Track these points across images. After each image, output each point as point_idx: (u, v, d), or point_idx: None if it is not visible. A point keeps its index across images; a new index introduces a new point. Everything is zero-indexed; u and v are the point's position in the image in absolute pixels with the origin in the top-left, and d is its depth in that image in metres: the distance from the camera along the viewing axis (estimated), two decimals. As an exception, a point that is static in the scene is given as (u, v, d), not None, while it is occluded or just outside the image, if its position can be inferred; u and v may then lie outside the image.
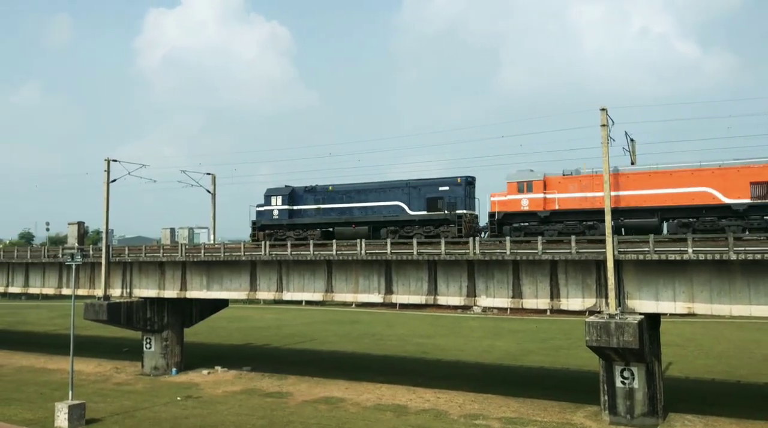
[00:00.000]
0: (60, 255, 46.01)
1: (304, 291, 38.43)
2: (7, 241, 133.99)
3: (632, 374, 29.93)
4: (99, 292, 44.35)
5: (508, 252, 31.22)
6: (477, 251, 31.87)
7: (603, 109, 30.55)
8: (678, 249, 28.20)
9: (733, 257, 26.69)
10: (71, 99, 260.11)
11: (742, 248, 26.83)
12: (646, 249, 28.60)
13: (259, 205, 44.59)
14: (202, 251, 40.72)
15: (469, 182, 38.96)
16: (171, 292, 43.18)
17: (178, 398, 36.82)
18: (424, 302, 35.43)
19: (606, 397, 30.67)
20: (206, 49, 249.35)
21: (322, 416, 32.63)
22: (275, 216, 43.72)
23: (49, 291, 49.92)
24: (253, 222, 44.91)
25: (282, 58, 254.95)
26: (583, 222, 34.61)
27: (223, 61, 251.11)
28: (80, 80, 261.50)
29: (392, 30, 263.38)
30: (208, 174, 50.86)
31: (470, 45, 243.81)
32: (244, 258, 38.90)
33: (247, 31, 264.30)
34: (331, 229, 42.13)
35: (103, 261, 43.95)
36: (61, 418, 30.59)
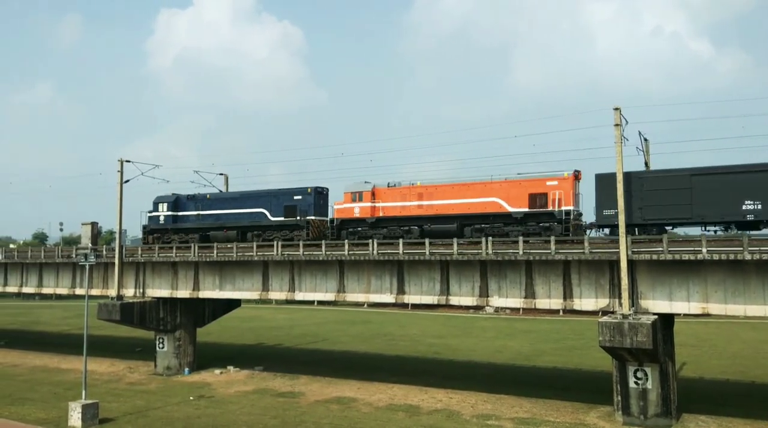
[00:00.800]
0: (73, 256, 46.33)
1: (316, 291, 38.49)
2: (21, 242, 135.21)
3: (646, 374, 29.73)
4: (112, 292, 44.59)
5: (521, 253, 31.11)
6: (489, 251, 31.78)
7: (616, 109, 30.39)
8: (692, 249, 28.00)
9: (748, 257, 26.46)
10: (83, 99, 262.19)
11: (757, 248, 26.59)
12: (660, 249, 28.42)
13: (149, 211, 49.42)
14: (215, 251, 40.87)
15: (319, 192, 43.53)
16: (184, 292, 43.37)
17: (191, 398, 36.98)
18: (436, 302, 35.39)
19: (619, 398, 30.49)
20: (218, 49, 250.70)
21: (334, 416, 32.66)
22: (161, 222, 48.73)
23: (63, 291, 50.27)
24: (144, 227, 49.91)
25: (293, 57, 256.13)
26: (401, 227, 39.51)
27: (235, 61, 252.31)
28: (92, 80, 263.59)
29: (403, 29, 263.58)
30: (221, 174, 51.07)
31: (481, 44, 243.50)
32: (256, 258, 38.99)
33: (258, 31, 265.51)
34: (208, 234, 46.63)
35: (117, 262, 44.20)
36: (75, 418, 30.77)
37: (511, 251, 31.51)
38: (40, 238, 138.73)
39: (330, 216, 42.72)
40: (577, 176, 35.43)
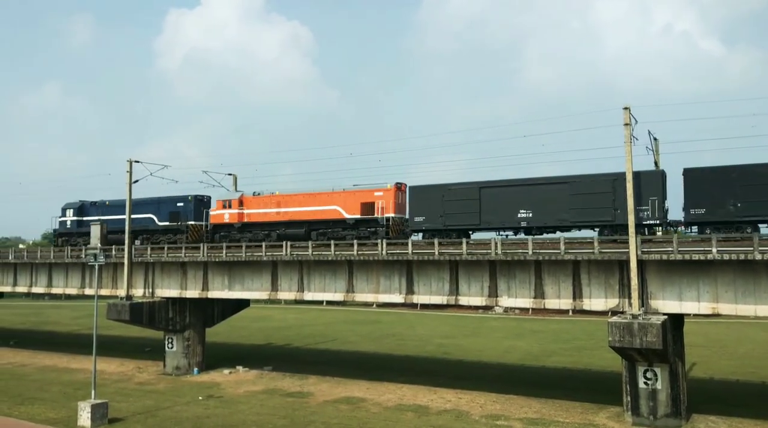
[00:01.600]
0: (83, 256, 46.54)
1: (325, 291, 38.51)
2: (30, 242, 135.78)
3: (655, 375, 29.60)
4: (121, 292, 44.77)
5: (530, 253, 31.03)
6: (499, 251, 31.72)
7: (626, 108, 30.25)
8: (702, 249, 27.87)
9: (758, 257, 26.28)
10: (92, 99, 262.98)
11: (768, 248, 26.46)
12: (670, 249, 28.29)
13: (59, 217, 55.08)
14: (224, 251, 40.96)
15: (200, 200, 48.15)
16: (193, 292, 43.49)
17: (200, 397, 37.07)
18: (445, 302, 35.35)
19: (629, 398, 30.36)
20: (227, 49, 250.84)
21: (343, 416, 32.66)
22: (68, 226, 54.26)
23: (72, 291, 50.48)
24: (54, 231, 55.65)
25: (303, 58, 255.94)
26: (263, 231, 44.06)
27: (244, 61, 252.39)
28: (101, 80, 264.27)
29: (413, 29, 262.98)
30: (230, 174, 51.13)
31: (491, 44, 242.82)
32: (265, 258, 39.05)
33: (267, 30, 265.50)
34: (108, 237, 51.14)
35: (126, 262, 44.37)
36: (84, 417, 30.87)
37: (520, 251, 31.44)
38: (49, 238, 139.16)
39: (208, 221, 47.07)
40: (399, 187, 40.20)
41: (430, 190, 37.45)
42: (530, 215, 34.78)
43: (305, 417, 32.35)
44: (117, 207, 50.71)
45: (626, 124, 30.15)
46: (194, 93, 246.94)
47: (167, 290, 44.69)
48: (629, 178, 29.90)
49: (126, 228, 44.84)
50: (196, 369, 44.75)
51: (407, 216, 39.75)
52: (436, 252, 33.33)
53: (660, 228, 33.41)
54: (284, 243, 38.80)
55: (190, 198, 47.99)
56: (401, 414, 33.02)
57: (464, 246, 32.75)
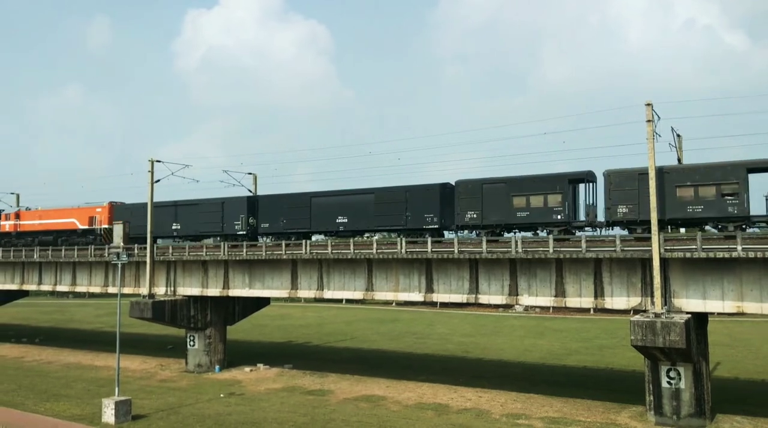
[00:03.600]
0: (106, 255, 47.07)
1: (345, 289, 38.59)
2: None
3: (679, 374, 29.27)
4: (144, 291, 45.21)
5: (551, 251, 30.81)
6: (519, 249, 31.55)
7: (648, 104, 29.89)
8: (727, 246, 27.47)
9: (786, 255, 25.88)
10: (112, 100, 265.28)
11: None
12: (694, 246, 27.94)
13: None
14: (244, 250, 41.19)
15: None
16: (214, 290, 43.81)
17: (222, 395, 37.34)
18: (465, 301, 35.25)
19: (651, 397, 30.07)
20: (245, 48, 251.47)
21: (363, 414, 32.71)
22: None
23: (96, 289, 51.10)
24: None
25: (320, 56, 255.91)
26: (29, 238, 56.28)
27: (262, 60, 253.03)
28: (122, 82, 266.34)
29: (430, 26, 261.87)
30: (250, 173, 51.36)
31: (508, 41, 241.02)
32: (285, 256, 39.21)
33: (284, 29, 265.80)
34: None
35: (148, 260, 44.80)
36: (108, 414, 31.23)
37: (541, 249, 31.24)
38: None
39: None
40: (113, 205, 52.03)
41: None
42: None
43: (325, 415, 32.45)
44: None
45: (648, 121, 29.77)
46: (211, 92, 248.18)
47: (189, 288, 45.07)
48: (652, 175, 29.53)
49: (149, 225, 45.21)
50: (217, 367, 45.07)
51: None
52: (456, 251, 33.23)
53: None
54: (304, 241, 39.00)
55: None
56: (421, 412, 32.99)
57: (484, 244, 32.62)
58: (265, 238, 44.45)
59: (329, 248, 37.58)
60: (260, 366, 45.98)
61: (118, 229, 51.45)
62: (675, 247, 28.66)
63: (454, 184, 37.13)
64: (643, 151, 29.91)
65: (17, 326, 73.38)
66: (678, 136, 33.29)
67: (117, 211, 51.59)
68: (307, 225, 42.23)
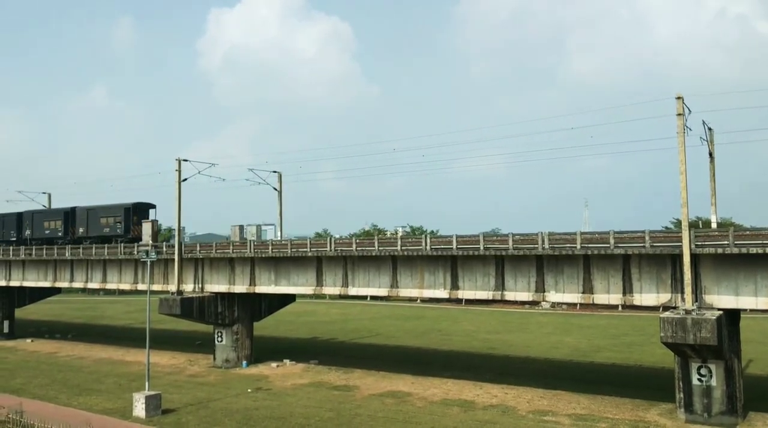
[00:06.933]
0: (135, 253, 47.69)
1: (369, 286, 38.64)
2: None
3: (710, 371, 28.82)
4: (172, 288, 45.75)
5: (578, 247, 30.55)
6: (546, 246, 31.31)
7: (679, 98, 29.45)
8: (760, 242, 26.95)
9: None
10: (138, 101, 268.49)
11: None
12: (726, 242, 27.47)
13: None
14: (270, 247, 41.45)
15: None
16: (240, 287, 44.18)
17: (249, 390, 37.65)
18: (491, 297, 35.05)
19: (681, 395, 29.65)
20: (268, 46, 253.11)
21: (388, 410, 32.75)
22: None
23: (126, 286, 51.85)
24: None
25: (343, 53, 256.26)
26: None
27: (285, 58, 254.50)
28: (147, 82, 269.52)
29: (455, 21, 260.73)
30: (275, 172, 51.65)
31: (533, 36, 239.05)
32: (310, 253, 39.39)
33: (308, 27, 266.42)
34: None
35: (176, 258, 45.32)
36: (139, 408, 31.71)
37: (568, 245, 30.97)
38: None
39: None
40: None
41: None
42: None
43: (351, 410, 32.55)
44: None
45: (679, 114, 29.34)
46: (236, 91, 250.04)
47: (216, 285, 45.50)
48: (682, 169, 29.11)
49: (177, 223, 45.75)
50: (244, 362, 45.45)
51: None
52: (482, 247, 33.08)
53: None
54: (328, 237, 39.04)
55: None
56: (447, 408, 32.93)
57: (510, 241, 32.43)
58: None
59: (354, 245, 37.64)
60: (286, 361, 46.28)
61: (146, 228, 52.13)
62: (706, 243, 28.22)
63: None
64: (673, 144, 29.52)
65: (50, 322, 74.84)
66: (710, 129, 32.78)
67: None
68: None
